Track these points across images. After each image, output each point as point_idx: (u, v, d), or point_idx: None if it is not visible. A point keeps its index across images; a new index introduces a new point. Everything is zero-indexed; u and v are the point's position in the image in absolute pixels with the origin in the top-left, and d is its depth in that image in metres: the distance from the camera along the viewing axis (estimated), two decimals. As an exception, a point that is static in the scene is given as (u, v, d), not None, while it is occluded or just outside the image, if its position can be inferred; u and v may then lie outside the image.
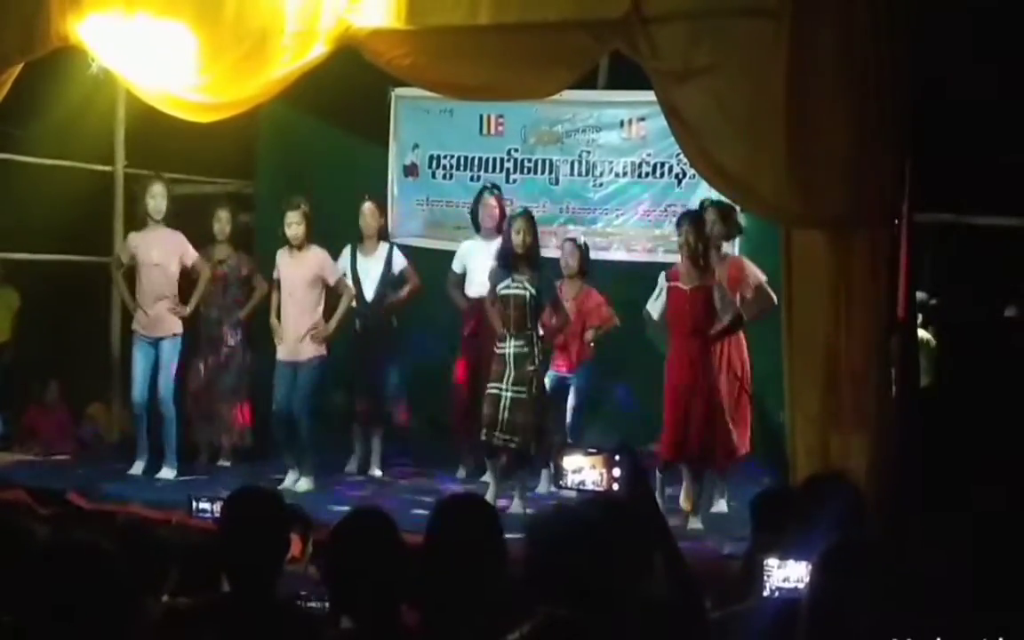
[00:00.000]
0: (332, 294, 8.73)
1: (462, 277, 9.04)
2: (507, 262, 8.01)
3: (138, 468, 8.87)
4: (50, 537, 4.18)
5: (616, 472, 4.46)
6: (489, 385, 7.98)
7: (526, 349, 7.93)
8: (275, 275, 8.69)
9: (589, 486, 4.43)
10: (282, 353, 8.60)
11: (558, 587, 3.21)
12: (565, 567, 3.27)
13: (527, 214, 8.20)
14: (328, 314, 8.68)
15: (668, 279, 7.85)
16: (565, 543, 3.37)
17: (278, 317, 8.62)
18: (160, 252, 8.85)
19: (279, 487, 8.21)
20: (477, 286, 8.77)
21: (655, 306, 7.96)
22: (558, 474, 4.83)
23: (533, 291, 7.95)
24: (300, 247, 8.55)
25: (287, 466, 8.60)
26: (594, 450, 4.59)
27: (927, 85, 6.39)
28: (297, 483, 8.48)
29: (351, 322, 8.95)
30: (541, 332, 8.11)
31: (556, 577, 3.26)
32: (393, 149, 10.35)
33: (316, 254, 8.64)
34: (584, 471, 4.55)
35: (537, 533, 3.54)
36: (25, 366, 10.43)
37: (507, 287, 7.97)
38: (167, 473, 8.84)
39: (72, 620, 3.35)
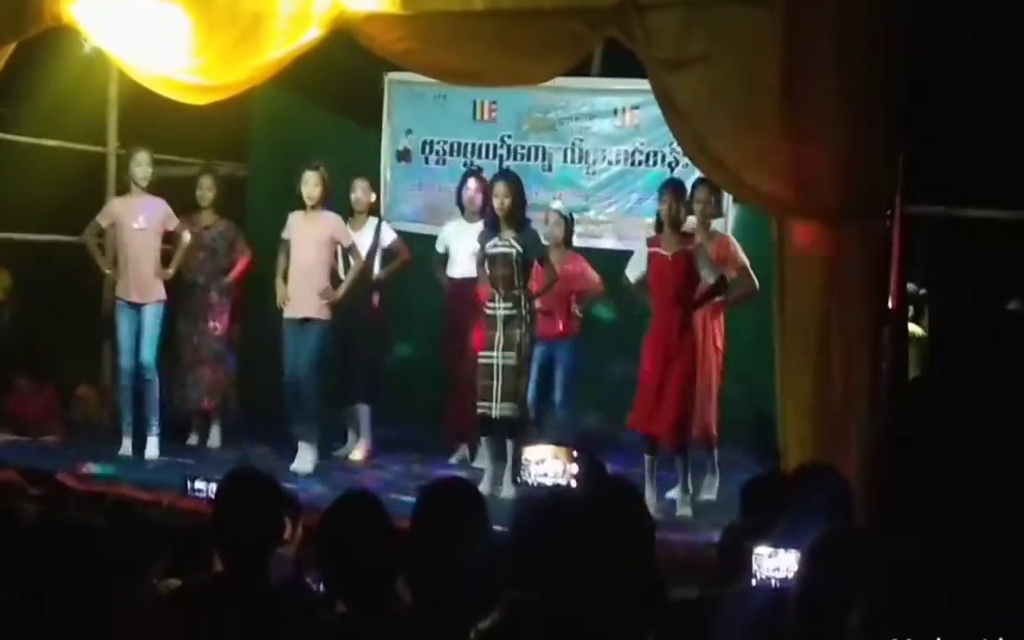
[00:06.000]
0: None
1: (444, 257, 9.09)
2: (493, 225, 8.04)
3: (126, 448, 8.87)
4: (39, 517, 4.18)
5: (575, 467, 4.48)
6: (481, 355, 7.99)
7: (515, 311, 7.93)
8: (285, 235, 8.65)
9: (550, 480, 4.45)
10: (289, 312, 8.58)
11: (541, 569, 3.21)
12: (550, 549, 3.28)
13: (507, 177, 8.23)
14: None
15: (649, 245, 7.85)
16: (552, 525, 3.37)
17: (284, 279, 8.61)
18: (145, 218, 8.88)
19: (291, 468, 8.28)
20: (460, 267, 8.82)
21: (633, 270, 7.96)
22: (519, 466, 4.85)
23: (520, 249, 7.95)
24: (315, 207, 8.57)
25: (296, 437, 8.56)
26: (555, 443, 4.61)
27: (922, 77, 6.39)
28: (301, 460, 8.48)
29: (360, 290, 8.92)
30: (532, 289, 8.09)
31: (541, 559, 3.26)
32: (386, 134, 10.35)
33: (331, 216, 8.69)
34: (546, 463, 4.57)
35: (524, 514, 3.55)
36: (14, 345, 10.40)
37: (494, 246, 7.99)
38: (152, 447, 8.85)
39: (61, 599, 3.35)
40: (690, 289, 7.73)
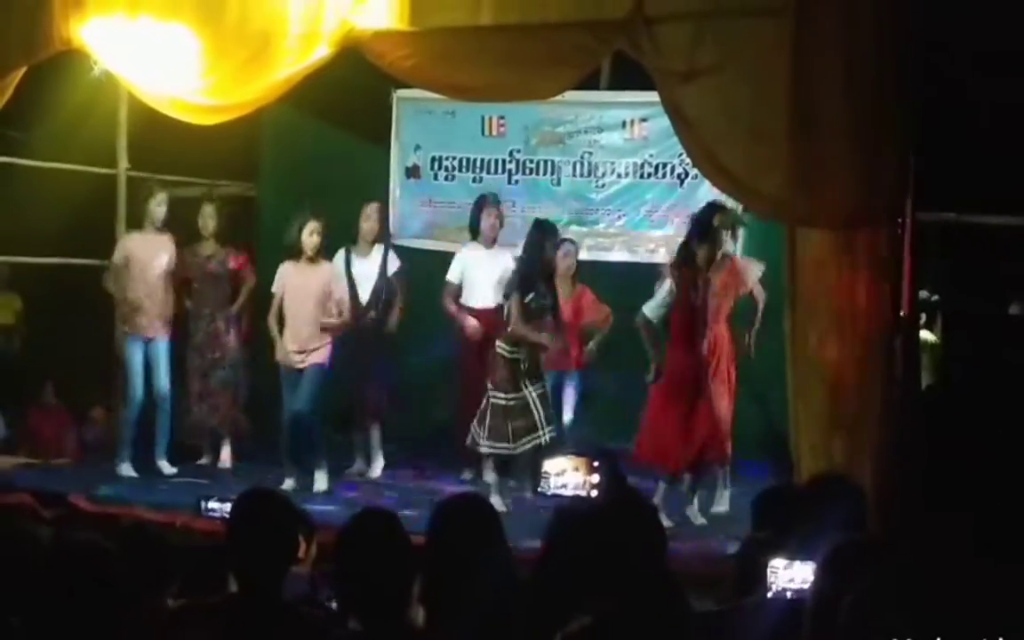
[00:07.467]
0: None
1: (458, 288, 9.03)
2: (532, 274, 8.01)
3: (127, 470, 8.93)
4: (54, 539, 4.19)
5: (595, 478, 4.48)
6: (508, 396, 7.93)
7: (533, 354, 8.03)
8: (278, 287, 8.63)
9: (570, 491, 4.44)
10: (288, 362, 8.60)
11: (574, 579, 3.22)
12: (587, 560, 3.29)
13: (556, 232, 8.36)
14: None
15: (679, 284, 7.82)
16: (591, 537, 3.38)
17: (279, 326, 8.61)
18: (158, 260, 9.02)
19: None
20: (479, 297, 8.83)
21: (655, 310, 7.92)
22: (539, 478, 4.87)
23: (553, 301, 8.13)
24: (312, 259, 8.58)
25: (287, 474, 8.56)
26: (575, 454, 4.60)
27: (931, 83, 6.38)
28: (315, 484, 8.49)
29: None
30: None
31: (576, 570, 3.28)
32: (395, 151, 10.35)
33: (326, 269, 8.73)
34: (566, 475, 4.58)
35: (563, 527, 3.56)
36: (27, 368, 10.43)
37: (534, 300, 7.98)
38: (167, 466, 8.99)
39: (76, 621, 3.36)
40: (704, 328, 7.84)
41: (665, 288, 7.93)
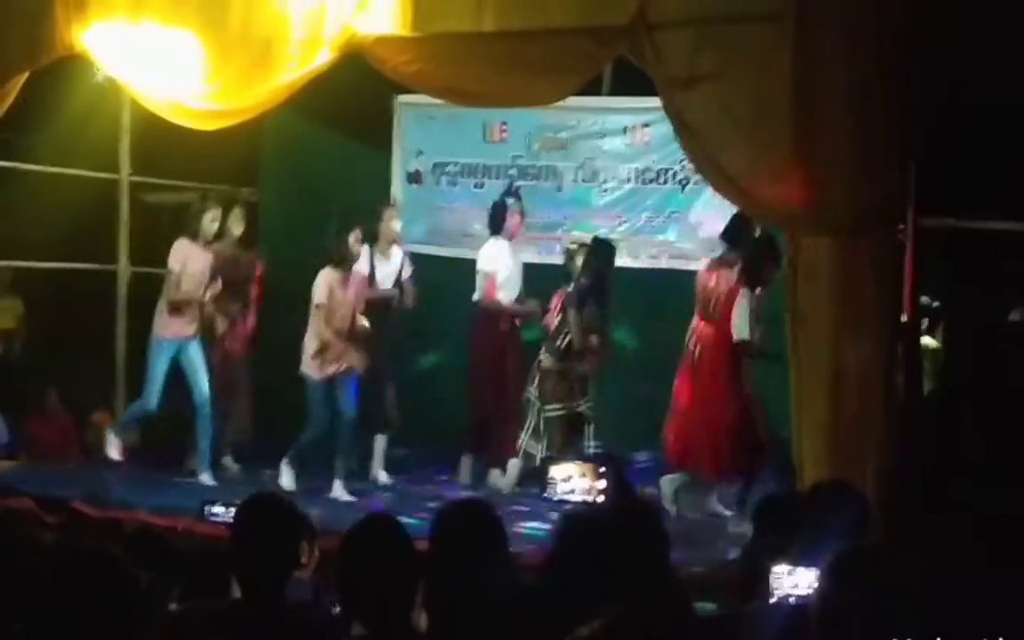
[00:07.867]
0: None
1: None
2: (594, 291, 8.42)
3: (114, 453, 8.94)
4: (58, 545, 4.19)
5: (601, 484, 4.50)
6: (562, 407, 8.41)
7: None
8: (325, 296, 8.45)
9: (577, 496, 4.46)
10: (323, 371, 8.51)
11: (587, 586, 3.23)
12: (595, 566, 3.30)
13: None
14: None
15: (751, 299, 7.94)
16: (596, 543, 3.40)
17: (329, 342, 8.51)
18: (203, 265, 8.92)
19: (278, 482, 8.34)
20: (506, 292, 8.89)
21: (749, 332, 7.94)
22: (546, 484, 4.90)
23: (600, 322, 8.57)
24: (351, 267, 8.58)
25: (290, 465, 8.54)
26: (582, 460, 4.62)
27: (933, 89, 6.37)
28: (335, 489, 8.47)
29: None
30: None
31: (584, 575, 3.29)
32: (397, 156, 10.37)
33: (360, 275, 8.73)
34: (573, 480, 4.60)
35: (569, 532, 3.57)
36: (29, 374, 10.44)
37: (592, 313, 8.42)
38: (207, 478, 8.84)
39: (81, 628, 3.35)
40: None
41: (744, 306, 7.90)
